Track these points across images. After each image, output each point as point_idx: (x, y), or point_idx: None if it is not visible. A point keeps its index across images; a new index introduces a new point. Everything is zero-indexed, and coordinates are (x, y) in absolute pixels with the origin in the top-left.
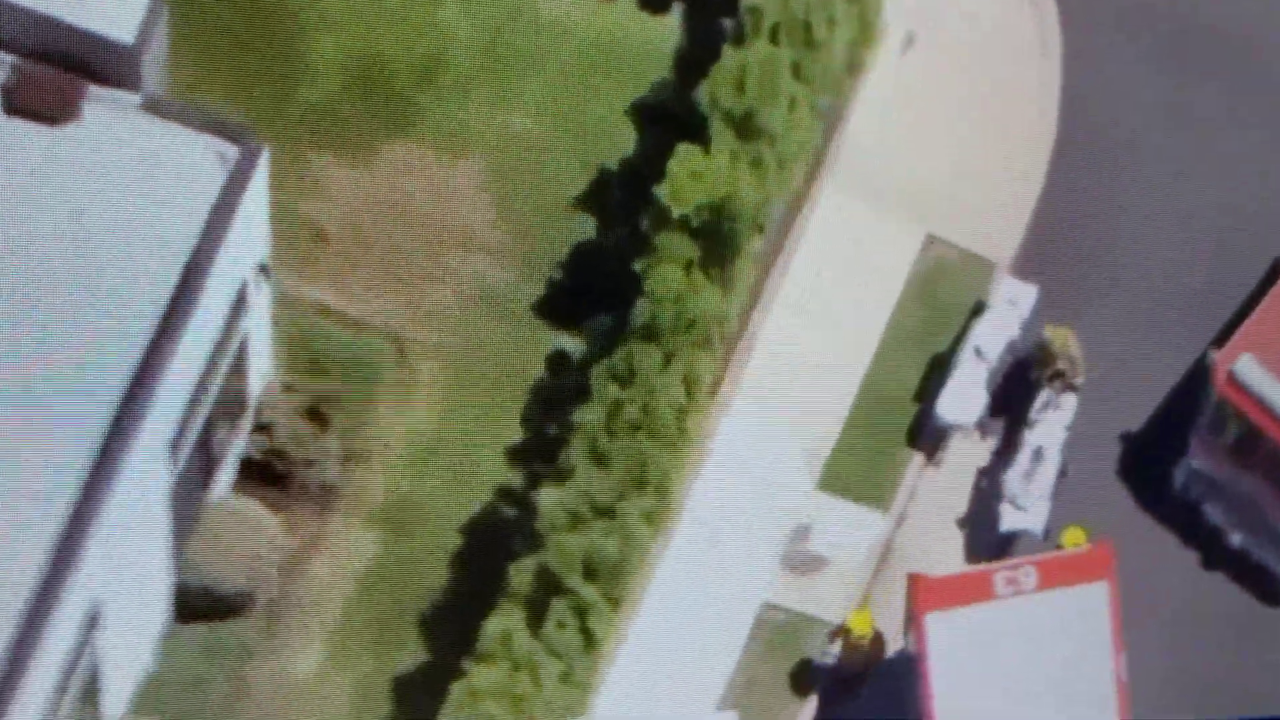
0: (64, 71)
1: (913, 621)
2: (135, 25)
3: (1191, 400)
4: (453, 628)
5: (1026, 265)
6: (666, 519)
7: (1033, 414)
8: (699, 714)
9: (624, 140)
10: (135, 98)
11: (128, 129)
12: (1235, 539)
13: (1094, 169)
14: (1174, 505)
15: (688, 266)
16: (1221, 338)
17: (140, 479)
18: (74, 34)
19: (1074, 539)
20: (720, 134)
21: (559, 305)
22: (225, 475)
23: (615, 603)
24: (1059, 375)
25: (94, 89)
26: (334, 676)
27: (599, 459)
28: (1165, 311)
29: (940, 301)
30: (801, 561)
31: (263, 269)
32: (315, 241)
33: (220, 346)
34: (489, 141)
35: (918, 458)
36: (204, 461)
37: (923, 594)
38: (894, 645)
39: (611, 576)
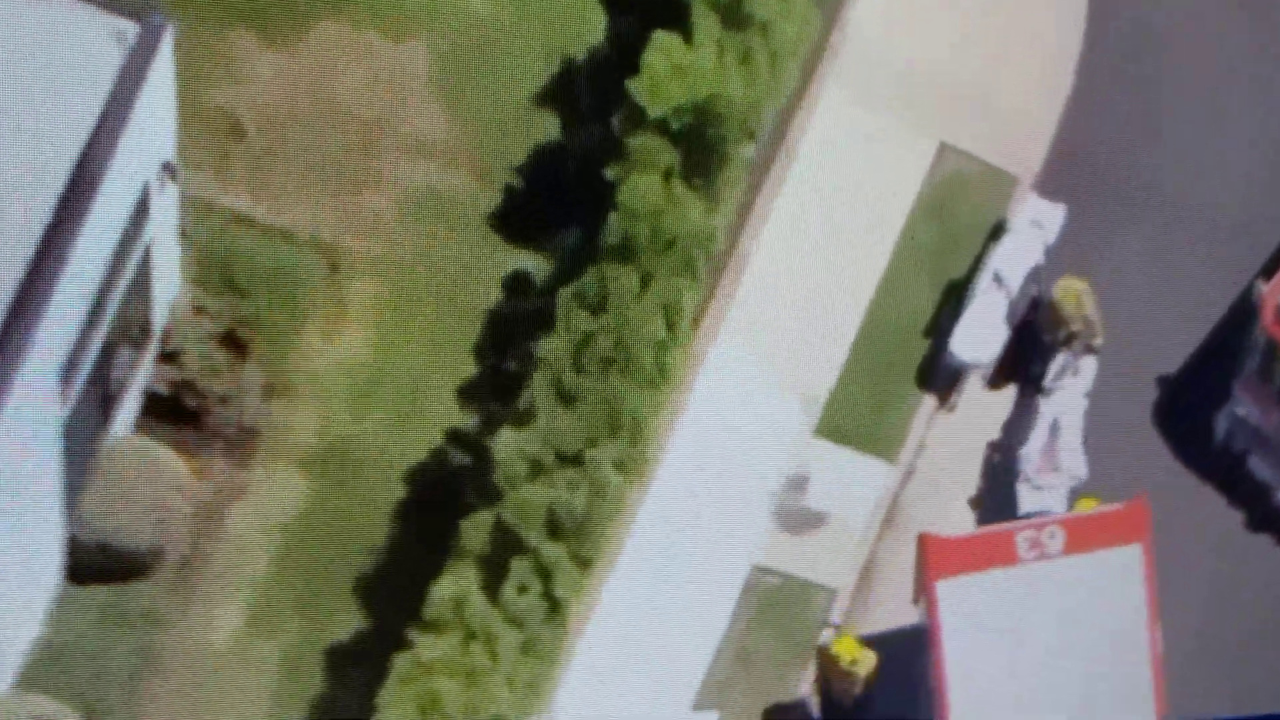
0: None
1: (923, 589)
2: None
3: (1235, 339)
4: (395, 591)
5: (1051, 182)
6: (642, 469)
7: (1048, 381)
8: (677, 710)
9: (593, 26)
10: None
11: (7, 4)
12: None
13: (1126, 75)
14: (1215, 459)
15: (666, 176)
16: (1270, 268)
17: (24, 415)
18: None
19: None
20: (704, 21)
21: (518, 218)
22: (127, 412)
23: (583, 564)
24: (1074, 336)
25: None
26: (256, 646)
27: (565, 398)
28: (1206, 238)
29: (956, 221)
30: (796, 518)
31: (168, 168)
32: (231, 137)
33: (119, 259)
34: (437, 23)
35: (929, 401)
36: (101, 395)
37: (934, 557)
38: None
39: (579, 534)
